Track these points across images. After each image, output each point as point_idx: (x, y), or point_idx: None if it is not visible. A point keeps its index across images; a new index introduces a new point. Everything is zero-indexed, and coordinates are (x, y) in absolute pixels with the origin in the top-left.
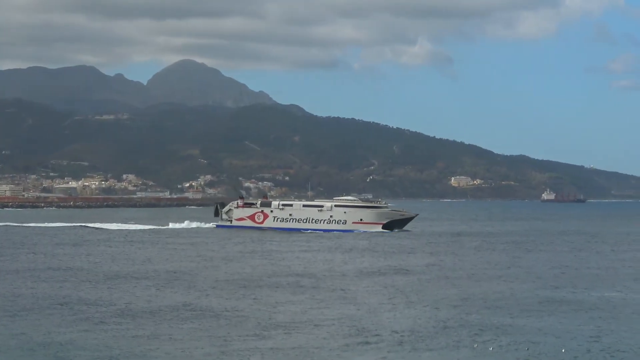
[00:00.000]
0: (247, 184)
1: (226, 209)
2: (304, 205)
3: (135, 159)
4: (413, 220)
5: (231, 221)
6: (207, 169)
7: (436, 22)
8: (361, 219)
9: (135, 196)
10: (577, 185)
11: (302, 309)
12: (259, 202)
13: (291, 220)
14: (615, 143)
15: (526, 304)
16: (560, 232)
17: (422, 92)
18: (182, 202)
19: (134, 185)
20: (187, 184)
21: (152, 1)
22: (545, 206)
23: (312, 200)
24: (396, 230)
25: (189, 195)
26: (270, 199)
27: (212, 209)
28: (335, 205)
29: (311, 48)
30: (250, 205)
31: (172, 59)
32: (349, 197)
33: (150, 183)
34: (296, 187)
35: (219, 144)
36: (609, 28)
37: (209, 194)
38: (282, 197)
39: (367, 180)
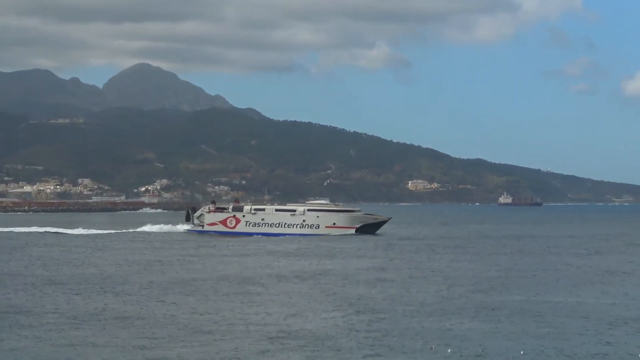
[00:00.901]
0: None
1: (198, 213)
2: (276, 210)
3: (91, 163)
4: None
5: (203, 226)
6: (163, 173)
7: (394, 26)
8: (334, 223)
9: (90, 201)
10: (534, 188)
11: (227, 313)
12: (231, 206)
13: (263, 224)
14: (572, 146)
15: (454, 307)
16: (504, 236)
17: (380, 96)
18: (139, 206)
19: (90, 190)
20: (143, 188)
21: (108, 4)
22: (501, 210)
23: (273, 204)
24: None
25: (145, 199)
26: (243, 204)
27: (174, 213)
28: (308, 210)
29: (268, 52)
30: (222, 209)
31: (128, 62)
32: (322, 201)
33: (106, 187)
34: (253, 191)
35: (175, 148)
36: (566, 32)
37: (165, 198)
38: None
39: (324, 184)
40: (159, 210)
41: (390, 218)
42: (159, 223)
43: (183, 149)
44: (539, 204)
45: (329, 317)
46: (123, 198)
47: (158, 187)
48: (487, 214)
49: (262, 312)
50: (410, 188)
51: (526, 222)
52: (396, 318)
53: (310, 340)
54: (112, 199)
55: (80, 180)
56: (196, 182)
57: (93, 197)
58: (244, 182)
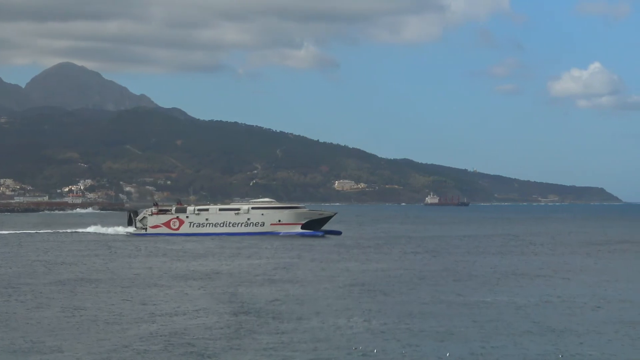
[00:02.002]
0: (127, 188)
1: (140, 216)
2: (220, 209)
3: (13, 163)
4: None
5: (146, 229)
6: (87, 173)
7: (322, 26)
8: (279, 220)
9: (13, 201)
10: (460, 188)
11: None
12: (174, 208)
13: (208, 225)
14: (499, 146)
15: (336, 307)
16: (420, 236)
17: (307, 96)
18: (62, 207)
19: (12, 190)
20: (67, 189)
21: (33, 3)
22: (427, 209)
23: (209, 204)
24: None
25: (69, 199)
26: (186, 205)
27: (110, 214)
28: (253, 208)
29: (195, 51)
30: (165, 211)
31: (53, 62)
32: (266, 199)
33: (29, 188)
34: (178, 191)
35: (99, 148)
36: (494, 33)
37: (89, 198)
38: (164, 201)
39: (250, 184)
40: (89, 210)
41: (336, 213)
42: (92, 224)
43: (107, 148)
44: (466, 204)
45: (204, 317)
46: (46, 198)
47: (82, 188)
48: (411, 214)
49: (137, 310)
50: (337, 188)
51: (440, 222)
52: (270, 318)
53: (178, 339)
54: (35, 200)
55: (1, 181)
56: (120, 183)
57: (15, 198)
58: (169, 182)
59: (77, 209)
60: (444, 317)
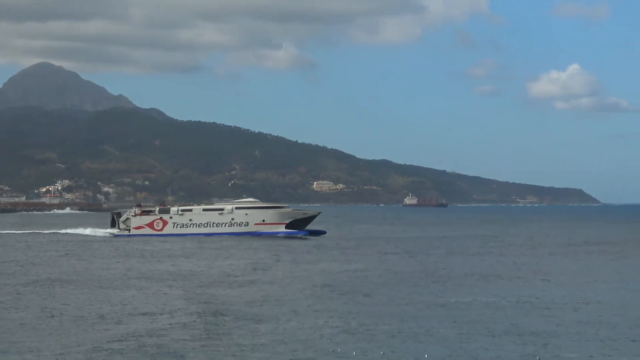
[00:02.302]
0: (105, 189)
1: (123, 217)
2: (203, 210)
3: None
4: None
5: (129, 230)
6: (64, 174)
7: (300, 27)
8: (263, 220)
9: None
10: (439, 189)
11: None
12: (157, 209)
13: (191, 225)
14: (477, 148)
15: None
16: (395, 237)
17: (286, 97)
18: (40, 207)
19: None
20: (44, 189)
21: (11, 3)
22: (406, 210)
23: (192, 204)
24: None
25: (46, 200)
26: (169, 205)
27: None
28: (236, 208)
29: (174, 52)
30: (148, 212)
31: (31, 61)
32: (250, 199)
33: (6, 188)
34: (157, 192)
35: (77, 148)
36: (473, 34)
37: (67, 199)
38: (142, 201)
39: (229, 184)
40: (67, 211)
41: (320, 212)
42: (72, 225)
43: (85, 149)
44: (445, 205)
45: (179, 317)
46: (23, 199)
47: (59, 188)
48: (390, 215)
49: (113, 311)
50: (316, 189)
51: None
52: (247, 319)
53: (153, 340)
54: (12, 200)
55: None
56: (98, 183)
57: None
58: (147, 182)
59: (55, 210)
60: (423, 318)
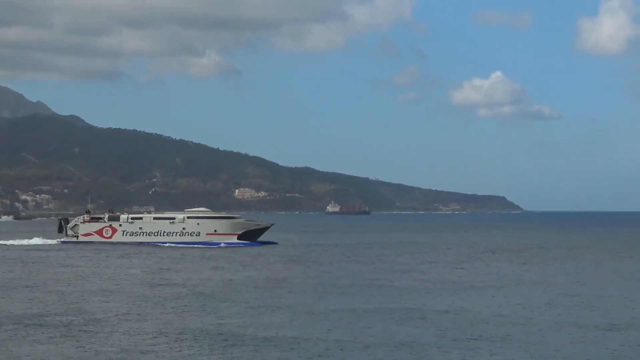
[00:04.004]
0: (24, 197)
1: (71, 224)
2: (154, 218)
3: None
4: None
5: (77, 237)
6: None
7: (224, 33)
8: (215, 230)
9: None
10: (362, 197)
11: None
12: (107, 216)
13: (141, 233)
14: (400, 155)
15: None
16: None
17: (208, 104)
18: None
19: None
20: None
21: None
22: (329, 218)
23: (149, 212)
24: (258, 242)
25: None
26: (119, 213)
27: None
28: (188, 217)
29: (96, 59)
30: (97, 219)
31: None
32: (202, 208)
33: None
34: (76, 200)
35: None
36: (396, 42)
37: None
38: (60, 209)
39: (149, 192)
40: (3, 219)
41: (273, 224)
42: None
43: (2, 156)
44: (367, 213)
45: None
46: None
47: None
48: (313, 223)
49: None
50: (238, 197)
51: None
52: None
53: None
54: None
55: None
56: (16, 191)
57: None
58: (66, 190)
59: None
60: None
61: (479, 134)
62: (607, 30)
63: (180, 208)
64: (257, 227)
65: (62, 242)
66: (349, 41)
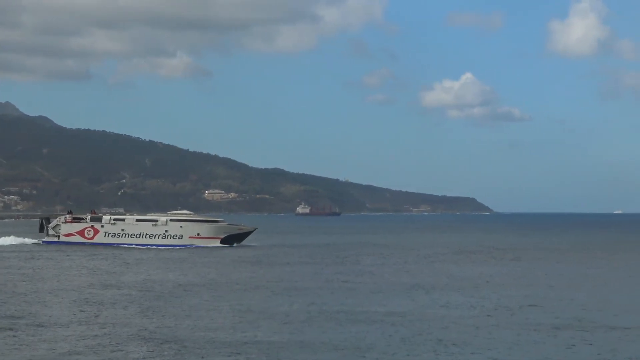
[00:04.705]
0: None
1: (53, 224)
2: (137, 220)
3: None
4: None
5: (59, 237)
6: None
7: (195, 34)
8: (198, 234)
9: None
10: (332, 198)
11: None
12: (89, 216)
13: (123, 235)
14: (370, 156)
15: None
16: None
17: (178, 105)
18: None
19: None
20: None
21: None
22: (299, 219)
23: (127, 214)
24: (235, 245)
25: None
26: (101, 214)
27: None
28: (171, 220)
29: (66, 59)
30: (79, 220)
31: None
32: (184, 211)
33: None
34: (44, 201)
35: None
36: (367, 43)
37: None
38: (29, 210)
39: (119, 193)
40: None
41: (256, 228)
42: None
43: None
44: (337, 214)
45: None
46: None
47: None
48: (281, 224)
49: None
50: (207, 198)
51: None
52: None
53: None
54: None
55: None
56: None
57: None
58: (34, 191)
59: None
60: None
61: (449, 136)
62: (577, 31)
63: (149, 209)
64: (240, 231)
65: (44, 242)
66: (319, 42)
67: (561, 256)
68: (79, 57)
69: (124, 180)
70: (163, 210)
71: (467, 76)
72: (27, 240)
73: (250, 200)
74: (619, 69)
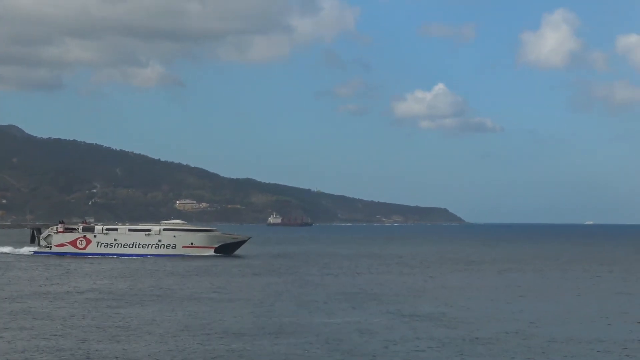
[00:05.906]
0: None
1: (45, 234)
2: (129, 230)
3: None
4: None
5: (50, 247)
6: None
7: (168, 44)
8: (192, 243)
9: None
10: (304, 208)
11: None
12: (81, 226)
13: (116, 245)
14: (342, 167)
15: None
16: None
17: (150, 115)
18: None
19: None
20: None
21: None
22: (271, 230)
23: (118, 224)
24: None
25: None
26: (93, 224)
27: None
28: (164, 229)
29: (38, 69)
30: (71, 230)
31: None
32: (177, 221)
33: None
34: (14, 211)
35: None
36: (340, 53)
37: None
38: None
39: (89, 203)
40: None
41: (250, 237)
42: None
43: None
44: (309, 224)
45: None
46: None
47: None
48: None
49: None
50: (179, 207)
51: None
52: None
53: None
54: None
55: None
56: None
57: None
58: (4, 201)
59: None
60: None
61: (421, 146)
62: (549, 43)
63: (121, 219)
64: (234, 240)
65: (35, 252)
66: (292, 52)
67: (503, 266)
68: (51, 66)
69: (95, 190)
70: (135, 220)
71: (440, 87)
72: (17, 251)
73: (221, 210)
74: (590, 81)
